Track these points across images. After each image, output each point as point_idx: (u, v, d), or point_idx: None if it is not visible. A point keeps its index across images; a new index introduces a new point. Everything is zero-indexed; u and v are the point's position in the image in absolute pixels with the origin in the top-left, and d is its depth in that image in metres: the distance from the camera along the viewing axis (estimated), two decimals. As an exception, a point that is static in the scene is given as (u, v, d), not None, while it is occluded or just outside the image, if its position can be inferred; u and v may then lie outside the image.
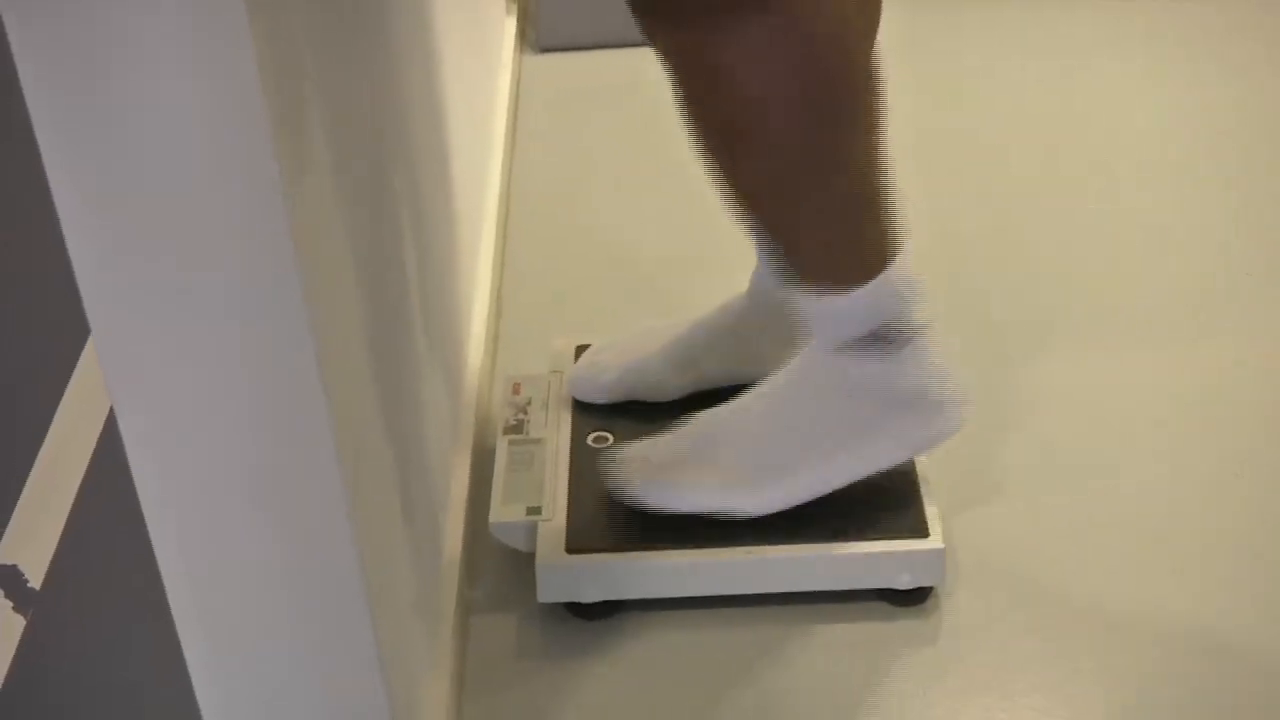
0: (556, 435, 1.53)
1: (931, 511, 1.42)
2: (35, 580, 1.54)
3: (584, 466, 1.49)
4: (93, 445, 1.70)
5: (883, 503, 1.43)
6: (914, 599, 1.43)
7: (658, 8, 1.23)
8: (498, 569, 1.50)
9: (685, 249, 1.95)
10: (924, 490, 1.44)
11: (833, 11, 1.22)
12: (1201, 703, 1.34)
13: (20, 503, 1.64)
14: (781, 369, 1.44)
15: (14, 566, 1.56)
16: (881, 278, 1.32)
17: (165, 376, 0.88)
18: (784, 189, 1.28)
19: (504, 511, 1.45)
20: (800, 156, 1.26)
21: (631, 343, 1.59)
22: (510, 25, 2.38)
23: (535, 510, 1.44)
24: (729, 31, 1.20)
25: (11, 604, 1.51)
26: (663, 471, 1.43)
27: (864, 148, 1.28)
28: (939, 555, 1.40)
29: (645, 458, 1.45)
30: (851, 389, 1.38)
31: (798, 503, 1.41)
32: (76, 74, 0.78)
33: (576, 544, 1.41)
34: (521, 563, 1.47)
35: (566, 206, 2.06)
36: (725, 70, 1.22)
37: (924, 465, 1.47)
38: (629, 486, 1.43)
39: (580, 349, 1.64)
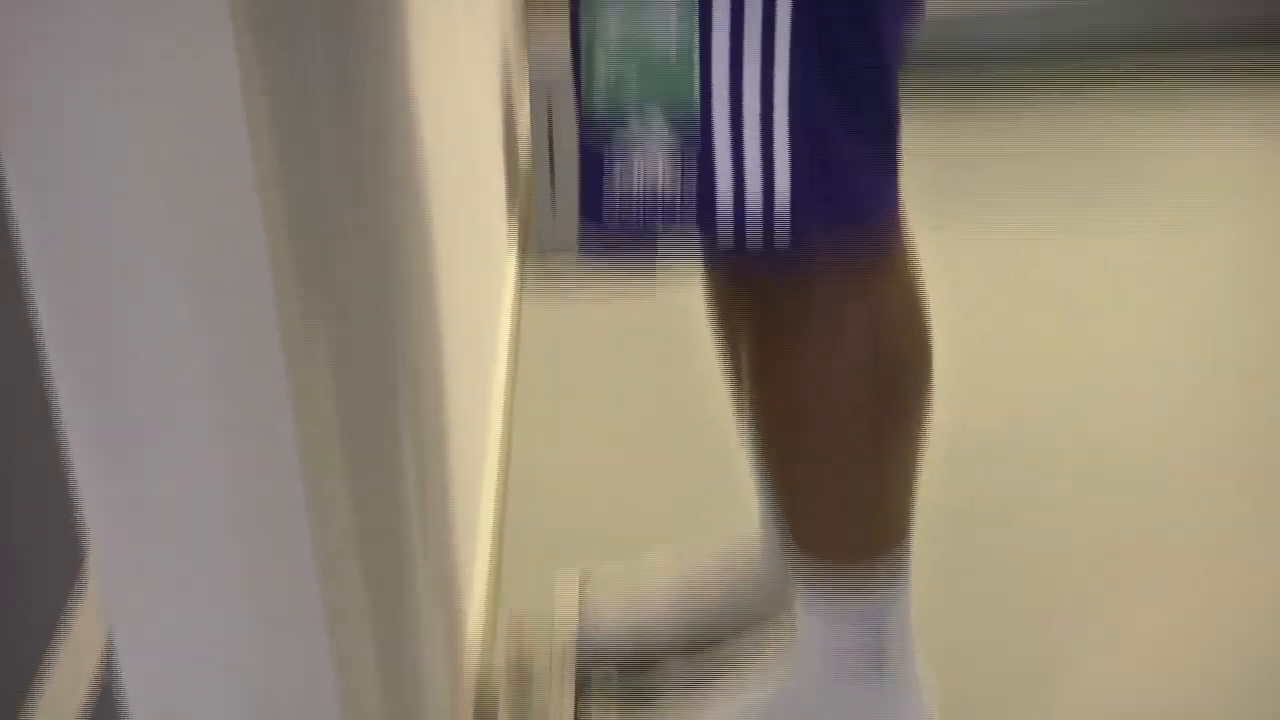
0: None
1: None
2: None
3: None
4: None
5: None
6: None
7: (745, 278, 1.21)
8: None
9: (693, 458, 1.92)
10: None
11: (911, 301, 1.22)
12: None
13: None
14: (768, 684, 1.39)
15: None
16: (882, 559, 1.29)
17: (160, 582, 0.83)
18: (823, 466, 1.27)
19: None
20: (852, 439, 1.24)
21: (635, 590, 1.55)
22: (511, 228, 2.38)
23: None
24: (811, 313, 1.18)
25: None
26: None
27: (911, 440, 1.27)
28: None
29: None
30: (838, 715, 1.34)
31: None
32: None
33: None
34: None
35: (574, 410, 2.04)
36: (798, 347, 1.20)
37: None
38: None
39: (584, 578, 1.60)
